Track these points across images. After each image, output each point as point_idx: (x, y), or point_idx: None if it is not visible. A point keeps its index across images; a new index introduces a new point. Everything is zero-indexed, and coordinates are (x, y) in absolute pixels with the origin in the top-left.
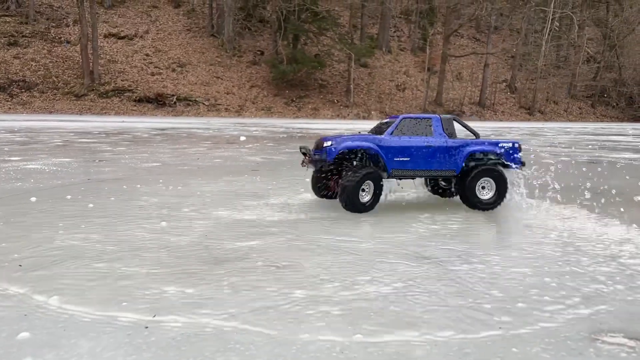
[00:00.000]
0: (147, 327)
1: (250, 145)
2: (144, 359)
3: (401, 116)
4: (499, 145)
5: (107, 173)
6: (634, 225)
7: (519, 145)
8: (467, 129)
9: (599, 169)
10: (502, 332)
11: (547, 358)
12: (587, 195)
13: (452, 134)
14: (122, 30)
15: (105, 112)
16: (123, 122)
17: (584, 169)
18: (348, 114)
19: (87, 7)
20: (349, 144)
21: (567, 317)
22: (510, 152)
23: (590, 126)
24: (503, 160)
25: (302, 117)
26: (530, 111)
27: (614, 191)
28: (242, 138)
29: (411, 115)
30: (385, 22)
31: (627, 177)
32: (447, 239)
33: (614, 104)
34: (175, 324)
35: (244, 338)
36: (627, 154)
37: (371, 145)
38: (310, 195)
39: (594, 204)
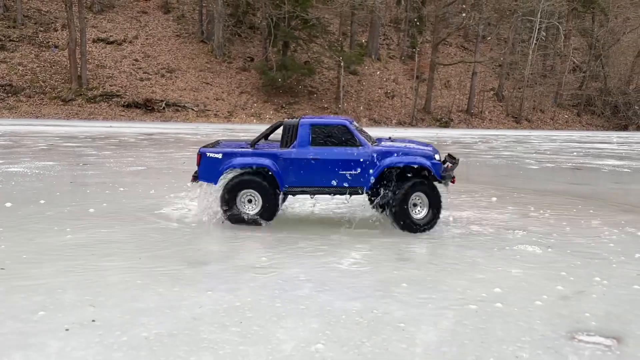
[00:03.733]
0: (93, 321)
1: None
2: (115, 358)
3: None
4: None
5: (91, 177)
6: None
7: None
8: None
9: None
10: (479, 331)
11: (525, 357)
12: None
13: None
14: (111, 36)
15: (93, 117)
16: (110, 127)
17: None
18: None
19: (76, 12)
20: None
21: (544, 314)
22: None
23: (576, 134)
24: None
25: None
26: (517, 119)
27: None
28: None
29: None
30: (374, 30)
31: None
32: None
33: (600, 112)
34: (149, 324)
35: (218, 337)
36: (610, 160)
37: None
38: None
39: None
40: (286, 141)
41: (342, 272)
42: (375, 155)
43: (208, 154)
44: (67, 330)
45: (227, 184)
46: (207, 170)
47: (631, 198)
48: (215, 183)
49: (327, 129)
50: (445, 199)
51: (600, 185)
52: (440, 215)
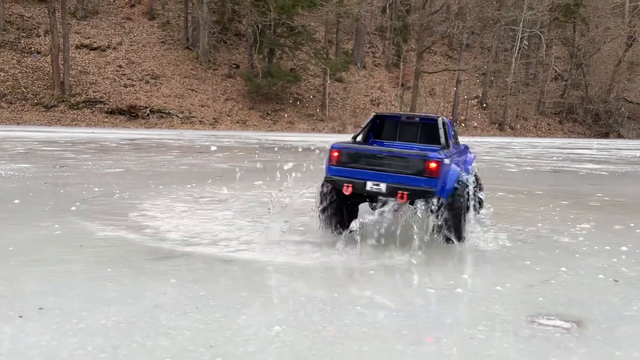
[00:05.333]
0: (41, 309)
1: (220, 154)
2: (69, 344)
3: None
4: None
5: (67, 177)
6: None
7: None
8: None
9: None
10: (441, 316)
11: (482, 339)
12: None
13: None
14: (94, 42)
15: (76, 124)
16: (93, 133)
17: None
18: (323, 128)
19: (59, 18)
20: None
21: (507, 300)
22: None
23: (558, 141)
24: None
25: (277, 130)
26: (501, 127)
27: None
28: (213, 148)
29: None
30: (360, 38)
31: None
32: None
33: (581, 120)
34: (109, 312)
35: (178, 324)
36: (589, 164)
37: None
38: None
39: None
40: (447, 142)
41: (312, 264)
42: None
43: (445, 160)
44: (20, 317)
45: (462, 198)
46: (447, 182)
47: (604, 197)
48: (445, 197)
49: None
50: None
51: (576, 186)
52: None
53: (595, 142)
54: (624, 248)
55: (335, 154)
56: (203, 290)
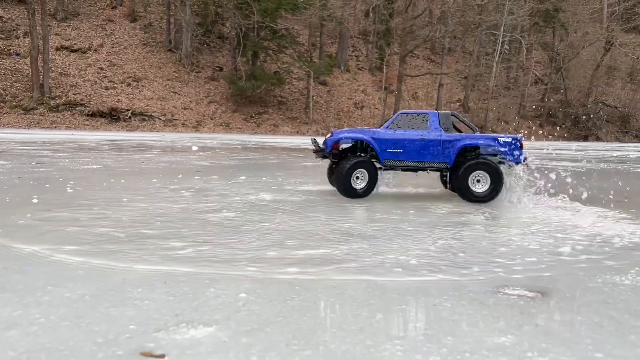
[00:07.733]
0: None
1: (201, 153)
2: (31, 314)
3: (399, 112)
4: (496, 140)
5: (42, 173)
6: None
7: (520, 141)
8: (466, 124)
9: None
10: (409, 290)
11: (447, 307)
12: None
13: (448, 129)
14: (75, 43)
15: (56, 127)
16: (72, 135)
17: None
18: (307, 131)
19: (39, 19)
20: (345, 135)
21: (478, 277)
22: (509, 147)
23: (538, 143)
24: (500, 156)
25: (261, 133)
26: (482, 130)
27: None
28: (194, 148)
29: (409, 111)
30: (343, 42)
31: None
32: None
33: (561, 123)
34: (75, 287)
35: (145, 296)
36: (566, 162)
37: (365, 137)
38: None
39: None
40: None
41: (284, 247)
42: None
43: None
44: None
45: None
46: None
47: (580, 189)
48: None
49: None
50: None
51: (552, 180)
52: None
53: (575, 145)
54: (593, 233)
55: None
56: (173, 268)
